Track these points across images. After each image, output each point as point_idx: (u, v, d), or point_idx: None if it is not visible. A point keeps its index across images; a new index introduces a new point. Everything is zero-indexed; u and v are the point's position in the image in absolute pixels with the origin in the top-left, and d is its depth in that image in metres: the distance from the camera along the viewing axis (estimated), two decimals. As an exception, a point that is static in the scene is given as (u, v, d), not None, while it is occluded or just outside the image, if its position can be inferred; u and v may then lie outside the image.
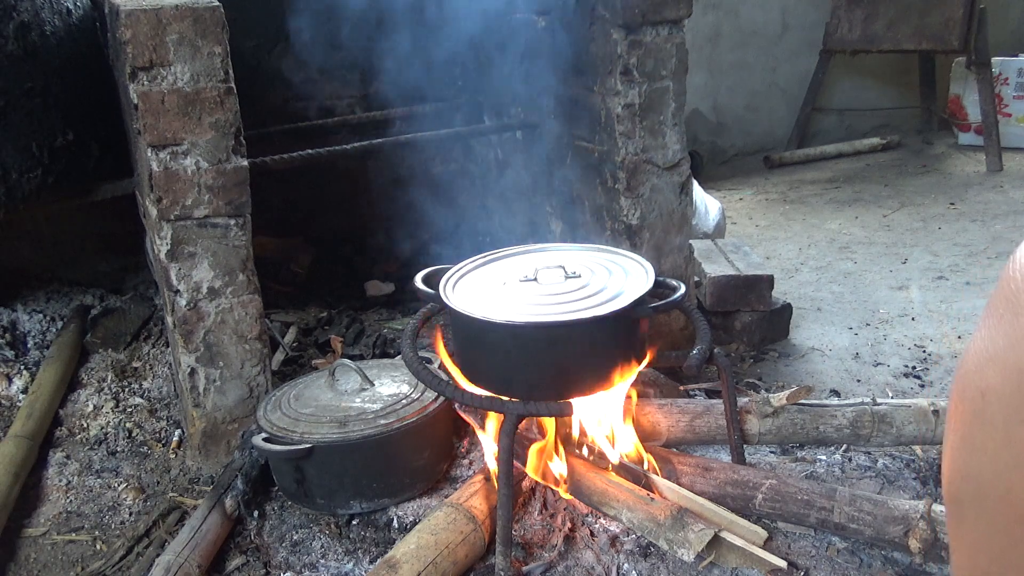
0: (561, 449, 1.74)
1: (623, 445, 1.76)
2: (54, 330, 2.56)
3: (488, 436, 1.76)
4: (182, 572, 1.57)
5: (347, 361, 1.87)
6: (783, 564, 1.49)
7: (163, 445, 2.14)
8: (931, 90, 5.27)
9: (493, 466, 1.67)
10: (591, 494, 1.67)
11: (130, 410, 2.25)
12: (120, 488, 1.99)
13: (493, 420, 1.74)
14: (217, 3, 1.80)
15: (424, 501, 1.77)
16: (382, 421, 1.73)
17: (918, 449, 1.89)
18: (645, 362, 1.69)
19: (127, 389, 2.33)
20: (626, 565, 1.55)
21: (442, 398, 1.78)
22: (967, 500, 0.35)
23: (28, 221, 2.84)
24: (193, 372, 1.94)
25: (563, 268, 1.64)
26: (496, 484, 1.57)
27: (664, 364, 1.97)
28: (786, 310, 2.67)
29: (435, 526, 1.57)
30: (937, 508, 1.50)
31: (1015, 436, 0.31)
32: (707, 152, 5.04)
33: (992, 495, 0.33)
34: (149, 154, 1.80)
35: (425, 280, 1.73)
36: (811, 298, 3.01)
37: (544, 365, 1.58)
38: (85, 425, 2.20)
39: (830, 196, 4.37)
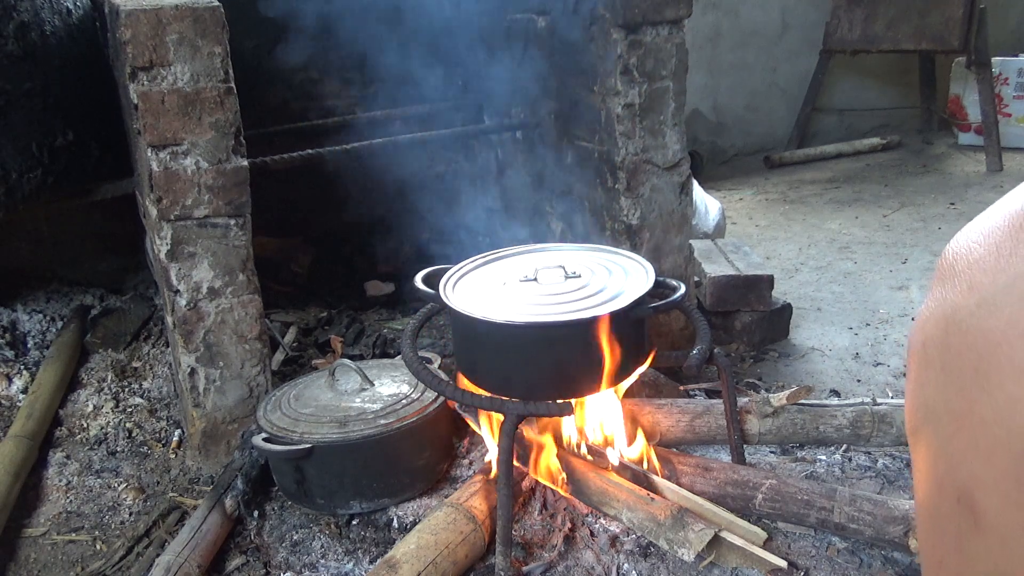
0: (561, 449, 1.74)
1: (623, 445, 1.76)
2: (54, 330, 2.56)
3: (488, 436, 1.76)
4: (182, 572, 1.57)
5: (347, 361, 1.86)
6: (783, 564, 1.49)
7: (163, 445, 2.14)
8: (931, 90, 5.27)
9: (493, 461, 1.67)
10: (591, 494, 1.67)
11: (130, 410, 2.25)
12: (120, 488, 1.99)
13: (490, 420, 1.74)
14: (217, 3, 1.80)
15: (424, 501, 1.77)
16: (382, 421, 1.73)
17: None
18: (646, 363, 1.69)
19: (127, 389, 2.33)
20: (626, 565, 1.55)
21: (442, 398, 1.78)
22: (920, 427, 0.44)
23: (28, 221, 2.84)
24: (193, 372, 1.94)
25: (563, 268, 1.64)
26: (496, 484, 1.57)
27: (664, 364, 1.97)
28: (786, 310, 2.67)
29: (435, 526, 1.57)
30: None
31: (949, 369, 0.41)
32: (707, 152, 5.04)
33: (937, 417, 0.42)
34: (149, 154, 1.80)
35: (425, 280, 1.73)
36: (811, 298, 3.01)
37: (544, 365, 1.58)
38: (85, 425, 2.20)
39: (830, 196, 4.37)
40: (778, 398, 1.83)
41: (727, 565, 1.53)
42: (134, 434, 2.17)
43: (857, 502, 1.56)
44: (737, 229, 3.86)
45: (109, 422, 2.20)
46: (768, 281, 2.57)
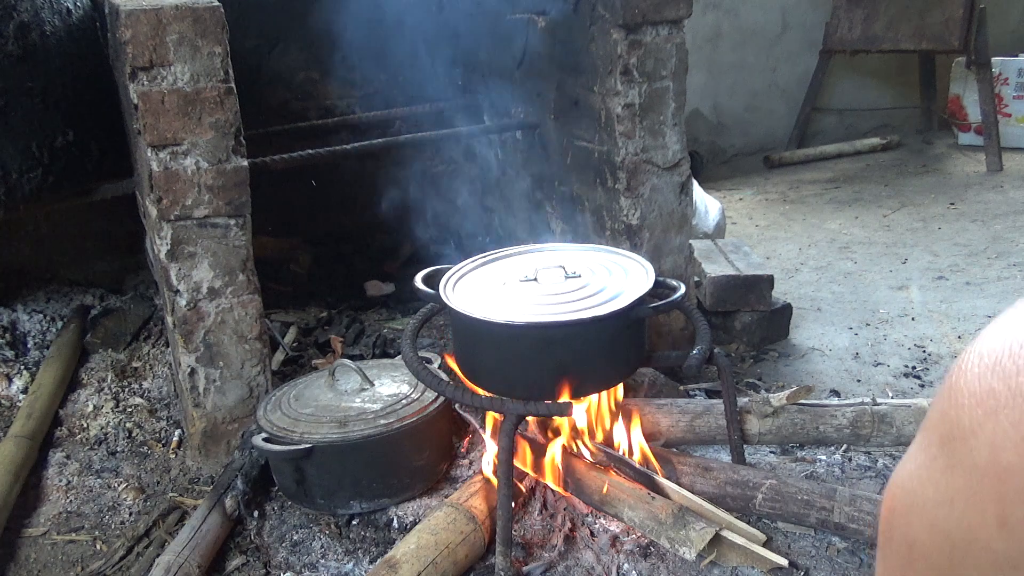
0: (561, 448, 1.74)
1: (623, 444, 1.76)
2: (54, 330, 2.56)
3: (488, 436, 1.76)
4: (182, 572, 1.57)
5: (347, 361, 1.86)
6: (784, 562, 1.49)
7: (163, 445, 2.14)
8: (931, 90, 5.27)
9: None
10: (592, 493, 1.67)
11: (130, 410, 2.25)
12: (120, 488, 1.99)
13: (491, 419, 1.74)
14: (217, 3, 1.80)
15: (424, 501, 1.77)
16: (382, 421, 1.73)
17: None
18: (645, 363, 1.70)
19: (127, 389, 2.33)
20: (626, 565, 1.55)
21: (442, 398, 1.78)
22: None
23: (28, 221, 2.84)
24: (193, 372, 1.94)
25: (563, 268, 1.64)
26: (496, 484, 1.57)
27: (664, 364, 1.97)
28: (786, 310, 2.67)
29: (435, 526, 1.57)
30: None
31: None
32: (707, 152, 5.04)
33: None
34: (149, 154, 1.80)
35: (425, 280, 1.73)
36: (811, 298, 3.01)
37: (544, 365, 1.58)
38: (85, 425, 2.20)
39: (830, 196, 4.37)
40: (778, 398, 1.83)
41: (727, 564, 1.53)
42: (134, 434, 2.17)
43: (857, 502, 1.56)
44: (737, 229, 3.86)
45: (109, 422, 2.20)
46: (768, 281, 2.57)
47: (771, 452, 1.91)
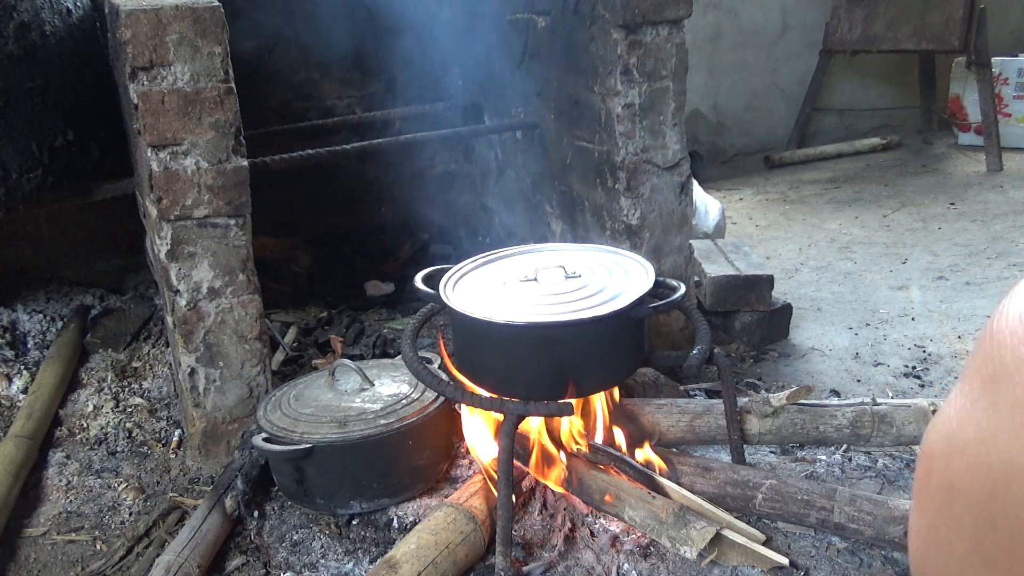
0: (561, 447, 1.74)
1: (623, 444, 1.76)
2: (54, 330, 2.56)
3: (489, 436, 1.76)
4: (182, 572, 1.57)
5: (347, 361, 1.86)
6: (785, 561, 1.49)
7: (163, 445, 2.14)
8: (931, 90, 5.27)
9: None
10: (592, 493, 1.67)
11: (130, 410, 2.25)
12: (120, 488, 1.99)
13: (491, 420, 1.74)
14: (217, 3, 1.80)
15: (424, 501, 1.77)
16: (382, 421, 1.73)
17: (918, 449, 1.89)
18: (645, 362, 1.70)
19: (127, 389, 2.33)
20: (626, 565, 1.55)
21: (442, 398, 1.78)
22: None
23: (28, 221, 2.84)
24: (193, 372, 1.94)
25: (563, 268, 1.64)
26: (496, 484, 1.57)
27: (664, 364, 1.97)
28: (786, 310, 2.67)
29: (435, 526, 1.57)
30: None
31: (985, 543, 0.29)
32: (707, 152, 5.04)
33: None
34: (149, 154, 1.80)
35: (425, 280, 1.73)
36: (811, 298, 3.01)
37: (544, 365, 1.58)
38: (85, 425, 2.20)
39: (830, 196, 4.37)
40: (778, 398, 1.83)
41: (728, 563, 1.53)
42: (134, 434, 2.17)
43: (857, 502, 1.56)
44: (737, 229, 3.86)
45: (109, 422, 2.20)
46: (768, 281, 2.57)
47: (771, 452, 1.91)
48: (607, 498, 1.64)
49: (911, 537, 0.35)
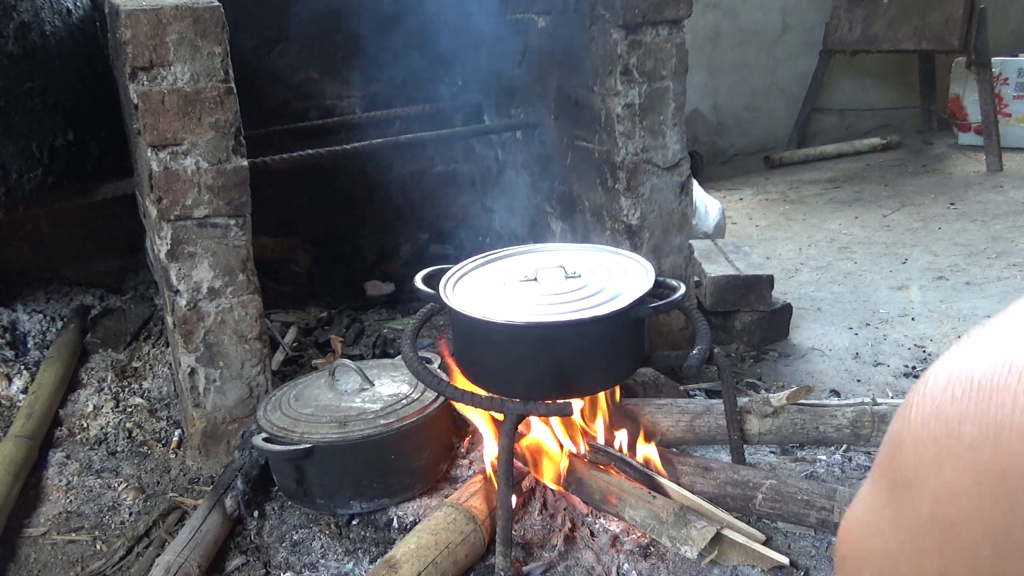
0: (561, 447, 1.74)
1: (624, 444, 1.76)
2: (54, 330, 2.56)
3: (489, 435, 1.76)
4: (182, 572, 1.57)
5: (347, 361, 1.86)
6: (785, 560, 1.49)
7: (163, 445, 2.14)
8: (931, 90, 5.27)
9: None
10: (592, 492, 1.67)
11: (130, 410, 2.25)
12: (120, 488, 1.99)
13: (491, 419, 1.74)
14: (217, 3, 1.80)
15: (424, 501, 1.77)
16: (382, 421, 1.73)
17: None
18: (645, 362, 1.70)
19: (127, 389, 2.33)
20: (626, 565, 1.55)
21: (442, 398, 1.78)
22: None
23: (28, 221, 2.84)
24: (193, 372, 1.94)
25: (563, 268, 1.64)
26: (496, 484, 1.57)
27: (664, 364, 1.97)
28: (786, 310, 2.67)
29: (435, 526, 1.57)
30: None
31: None
32: (707, 152, 5.04)
33: None
34: (149, 154, 1.80)
35: (425, 280, 1.73)
36: (811, 298, 3.01)
37: (544, 365, 1.58)
38: (85, 425, 2.20)
39: (830, 196, 4.37)
40: (778, 398, 1.83)
41: (728, 563, 1.53)
42: (134, 434, 2.17)
43: (857, 502, 1.56)
44: (737, 229, 3.86)
45: (109, 422, 2.20)
46: (768, 281, 2.57)
47: (771, 452, 1.91)
48: (608, 498, 1.64)
49: None
